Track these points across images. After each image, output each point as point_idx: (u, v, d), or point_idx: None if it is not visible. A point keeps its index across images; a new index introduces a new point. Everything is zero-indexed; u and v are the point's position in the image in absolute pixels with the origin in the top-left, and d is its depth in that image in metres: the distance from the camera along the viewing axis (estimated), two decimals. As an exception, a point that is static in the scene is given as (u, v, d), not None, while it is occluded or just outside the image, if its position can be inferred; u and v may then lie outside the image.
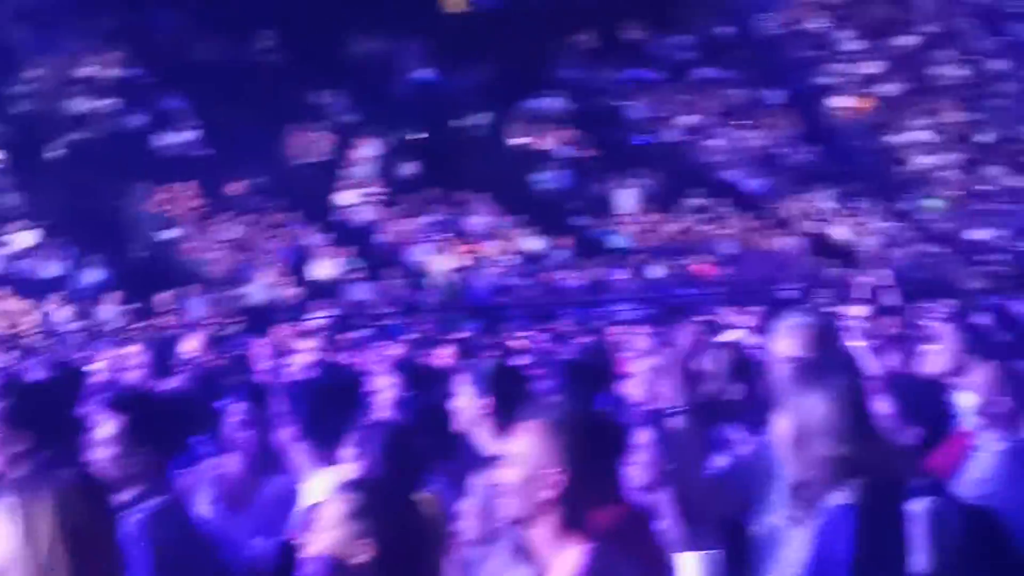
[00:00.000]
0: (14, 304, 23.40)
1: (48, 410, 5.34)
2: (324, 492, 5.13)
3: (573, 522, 3.78)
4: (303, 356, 13.39)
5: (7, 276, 24.37)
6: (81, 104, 28.27)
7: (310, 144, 29.00)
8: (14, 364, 14.95)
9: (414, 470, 5.26)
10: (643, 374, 7.70)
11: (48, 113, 28.01)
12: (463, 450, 5.91)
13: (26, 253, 25.05)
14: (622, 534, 3.94)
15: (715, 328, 14.86)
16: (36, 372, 10.58)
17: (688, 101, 32.25)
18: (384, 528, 3.61)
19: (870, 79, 33.22)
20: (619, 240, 28.23)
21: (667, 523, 5.31)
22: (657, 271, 26.64)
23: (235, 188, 27.33)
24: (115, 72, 28.92)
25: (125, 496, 4.67)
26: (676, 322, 17.58)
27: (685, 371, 5.34)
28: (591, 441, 3.86)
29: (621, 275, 26.38)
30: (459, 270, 26.19)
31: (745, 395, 6.93)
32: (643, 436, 5.75)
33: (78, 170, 26.60)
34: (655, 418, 5.64)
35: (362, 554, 3.59)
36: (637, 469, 5.60)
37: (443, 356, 12.07)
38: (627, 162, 29.95)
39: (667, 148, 31.16)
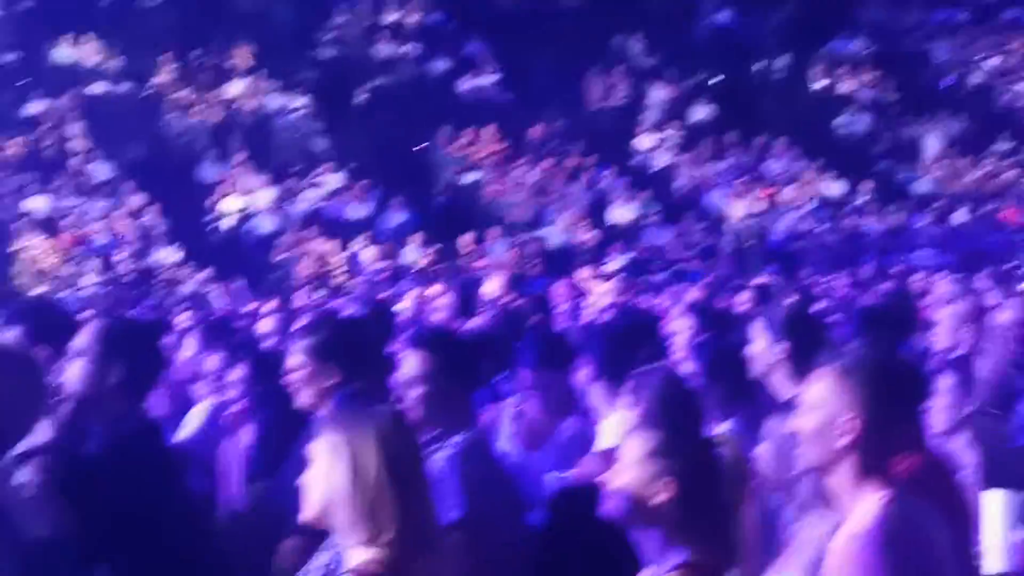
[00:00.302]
0: (321, 245, 24.10)
1: (356, 346, 5.46)
2: (620, 432, 5.20)
3: (871, 469, 3.74)
4: (600, 299, 13.52)
5: (315, 218, 25.10)
6: (385, 49, 28.86)
7: (609, 88, 29.06)
8: (322, 303, 15.43)
9: (697, 413, 5.26)
10: (946, 321, 7.59)
11: (354, 59, 28.67)
12: (760, 395, 5.91)
13: (333, 195, 25.75)
14: (923, 481, 3.90)
15: (1021, 276, 14.50)
16: (344, 310, 10.92)
17: (996, 43, 31.25)
18: (684, 468, 3.63)
19: None
20: (922, 185, 27.62)
21: (969, 471, 5.24)
22: (961, 217, 25.98)
23: (535, 132, 27.59)
24: (418, 18, 29.44)
25: (431, 432, 4.77)
26: (980, 269, 17.19)
27: (988, 319, 5.26)
28: (889, 388, 3.81)
29: (924, 221, 25.82)
30: (757, 215, 25.98)
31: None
32: (945, 383, 5.68)
33: (383, 114, 27.22)
34: (957, 365, 5.56)
35: (662, 493, 3.62)
36: (939, 416, 5.54)
37: (740, 301, 12.03)
38: (931, 105, 29.22)
39: (973, 91, 30.28)
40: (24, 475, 4.06)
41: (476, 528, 4.73)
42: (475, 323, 9.70)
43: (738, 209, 25.98)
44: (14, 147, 25.03)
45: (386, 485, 3.56)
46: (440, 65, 28.73)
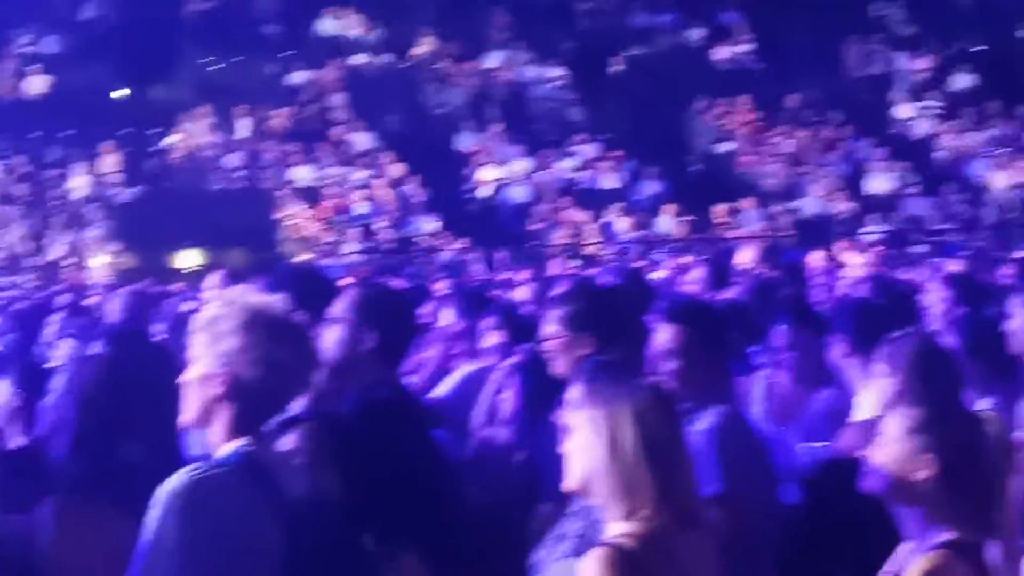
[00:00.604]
0: (576, 215, 24.24)
1: (611, 316, 5.46)
2: (877, 404, 5.14)
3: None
4: (856, 270, 13.34)
5: (569, 188, 25.25)
6: (641, 19, 28.83)
7: (867, 56, 28.57)
8: (576, 272, 15.51)
9: (958, 386, 5.16)
10: None
11: (609, 29, 28.70)
12: (1020, 372, 5.79)
13: (587, 165, 25.86)
14: None
15: None
16: (599, 280, 10.98)
17: None
18: (947, 445, 3.58)
19: None
20: None
21: None
22: None
23: (791, 101, 27.30)
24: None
25: (688, 406, 4.77)
26: None
27: None
28: None
29: None
30: (1020, 186, 25.30)
31: None
32: None
33: (637, 84, 27.22)
34: None
35: (924, 471, 3.57)
36: None
37: (1002, 275, 11.75)
38: None
39: None
40: (288, 441, 4.19)
41: (735, 503, 4.72)
42: (729, 294, 9.65)
43: (1001, 180, 25.35)
44: (278, 117, 25.71)
45: (644, 462, 3.57)
46: (695, 34, 28.62)
